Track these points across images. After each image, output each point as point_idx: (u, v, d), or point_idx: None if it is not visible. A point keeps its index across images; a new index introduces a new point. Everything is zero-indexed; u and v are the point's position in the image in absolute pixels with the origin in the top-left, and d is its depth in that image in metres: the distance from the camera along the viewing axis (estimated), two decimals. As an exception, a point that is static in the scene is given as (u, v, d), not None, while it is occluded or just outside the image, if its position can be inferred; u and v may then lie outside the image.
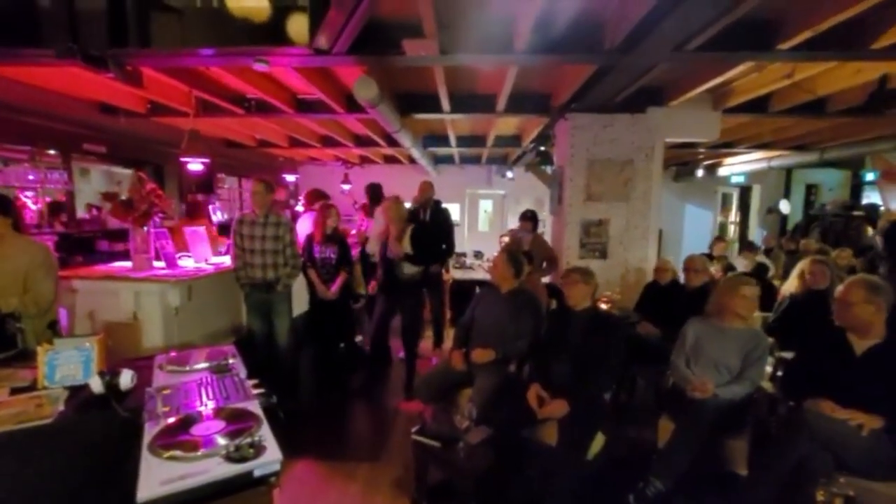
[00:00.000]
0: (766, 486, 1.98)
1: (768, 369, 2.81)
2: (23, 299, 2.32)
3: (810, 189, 9.22)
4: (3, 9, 2.62)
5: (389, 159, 9.26)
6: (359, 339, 4.55)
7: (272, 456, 1.31)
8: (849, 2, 2.22)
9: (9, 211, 2.40)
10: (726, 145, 6.68)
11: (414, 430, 2.30)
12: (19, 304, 2.29)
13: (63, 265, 3.91)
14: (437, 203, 4.67)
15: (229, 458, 1.27)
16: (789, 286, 3.46)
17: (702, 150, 7.14)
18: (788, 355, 2.81)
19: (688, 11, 2.14)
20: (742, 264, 5.17)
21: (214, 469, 1.24)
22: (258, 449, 1.31)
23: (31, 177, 4.78)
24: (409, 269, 3.70)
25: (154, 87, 3.76)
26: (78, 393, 1.76)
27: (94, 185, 7.09)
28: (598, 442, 2.31)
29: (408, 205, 4.92)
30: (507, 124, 6.11)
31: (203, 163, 4.35)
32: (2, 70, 3.33)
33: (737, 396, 2.32)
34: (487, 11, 2.56)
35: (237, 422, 1.46)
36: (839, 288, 2.22)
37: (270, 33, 2.60)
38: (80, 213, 5.82)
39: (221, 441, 1.35)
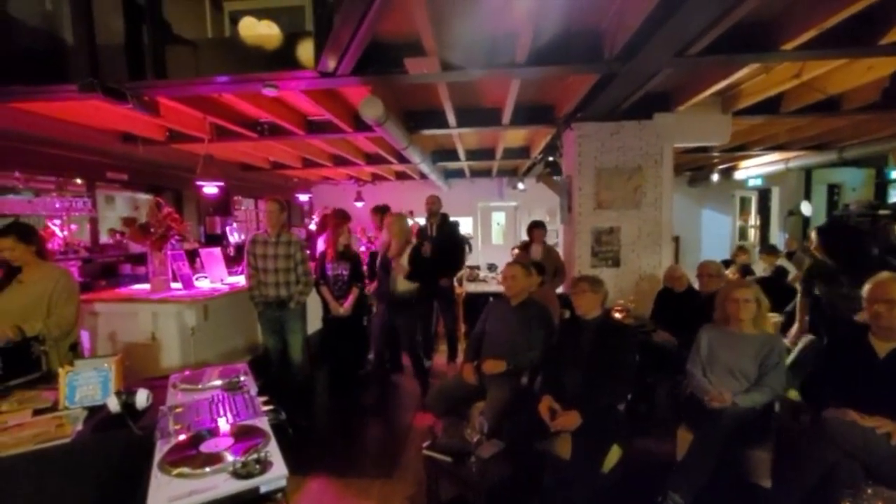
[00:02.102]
0: (791, 498, 1.89)
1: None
2: (46, 323, 2.40)
3: (832, 189, 8.97)
4: (34, 48, 2.81)
5: (401, 175, 9.38)
6: (372, 355, 4.56)
7: (278, 472, 1.32)
8: (851, -1, 2.19)
9: (32, 239, 2.51)
10: (740, 148, 6.57)
11: (425, 444, 2.28)
12: (43, 327, 2.38)
13: (87, 289, 4.06)
14: (445, 217, 4.70)
15: (236, 475, 1.29)
16: None
17: (715, 153, 7.04)
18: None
19: (685, 16, 2.15)
20: (761, 267, 5.04)
21: (221, 485, 1.26)
22: (264, 465, 1.33)
23: (57, 205, 5.00)
24: (402, 286, 3.75)
25: (171, 115, 3.92)
26: (96, 413, 1.81)
27: (118, 211, 7.36)
28: (614, 454, 2.25)
29: (422, 220, 5.00)
30: (514, 136, 6.15)
31: (218, 186, 4.49)
32: (31, 105, 3.52)
33: (757, 404, 2.24)
34: (486, 26, 2.61)
35: (245, 438, 1.48)
36: (868, 286, 2.14)
37: (279, 59, 2.71)
38: (104, 238, 6.03)
39: (229, 457, 1.36)
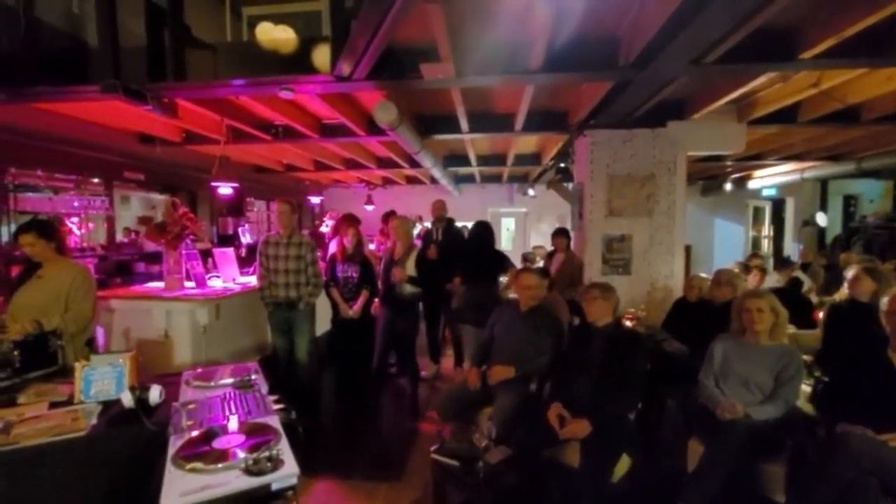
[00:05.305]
0: (807, 514, 1.86)
1: (807, 388, 2.66)
2: (64, 318, 2.45)
3: (849, 200, 8.81)
4: (58, 50, 2.89)
5: (411, 180, 9.42)
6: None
7: (289, 470, 1.33)
8: (872, 7, 2.17)
9: (52, 236, 2.57)
10: (755, 157, 6.50)
11: (433, 448, 2.28)
12: (61, 322, 2.42)
13: (102, 286, 4.12)
14: (450, 221, 4.72)
15: (248, 472, 1.30)
16: (839, 294, 3.30)
17: (729, 162, 6.97)
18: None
19: (703, 24, 2.14)
20: (775, 279, 4.96)
21: (233, 482, 1.27)
22: (276, 463, 1.34)
23: (76, 203, 5.10)
24: (409, 289, 3.77)
25: (188, 116, 3.99)
26: (110, 407, 1.84)
27: (133, 210, 7.49)
28: (624, 464, 2.22)
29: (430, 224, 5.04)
30: (526, 142, 6.15)
31: (233, 187, 4.56)
32: (54, 106, 3.61)
33: (771, 417, 2.20)
34: (501, 33, 2.63)
35: (257, 435, 1.49)
36: (886, 298, 2.09)
37: (296, 63, 2.76)
38: (120, 237, 6.14)
39: (241, 454, 1.38)
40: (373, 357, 4.28)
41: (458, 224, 5.10)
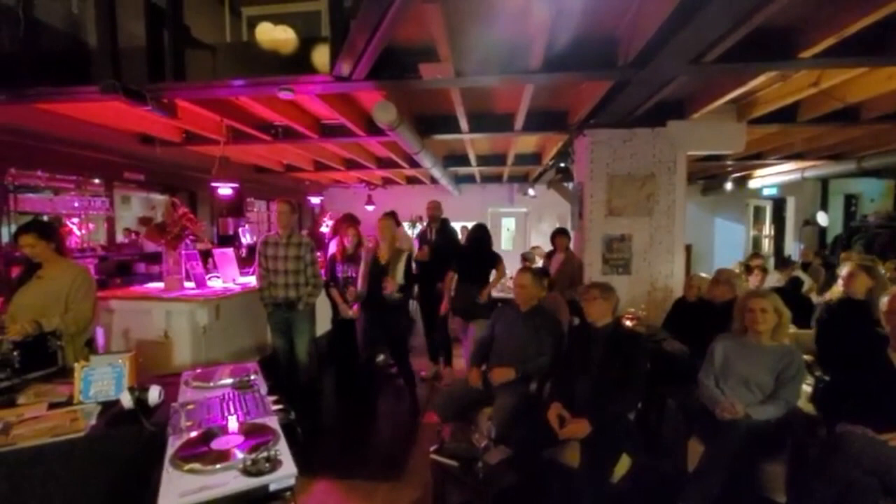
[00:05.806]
0: (807, 514, 1.85)
1: (808, 389, 2.65)
2: (63, 318, 2.45)
3: (850, 200, 8.80)
4: (59, 51, 2.89)
5: (412, 180, 9.41)
6: (380, 357, 4.56)
7: (287, 470, 1.33)
8: (872, 6, 2.16)
9: (52, 236, 2.57)
10: (755, 157, 6.49)
11: (432, 449, 2.28)
12: (60, 322, 2.42)
13: (102, 287, 4.13)
14: (445, 221, 4.71)
15: (246, 472, 1.30)
16: (832, 293, 3.29)
17: (729, 162, 6.96)
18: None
19: (702, 24, 2.13)
20: (775, 278, 4.96)
21: (231, 482, 1.27)
22: (274, 463, 1.34)
23: (76, 204, 5.10)
24: (395, 295, 3.77)
25: (188, 117, 3.99)
26: (110, 408, 1.84)
27: (134, 211, 7.48)
28: (624, 464, 2.22)
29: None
30: (526, 142, 6.15)
31: (233, 188, 4.55)
32: (54, 106, 3.62)
33: (772, 417, 2.20)
34: (501, 33, 2.62)
35: (255, 436, 1.49)
36: (886, 298, 2.09)
37: (295, 63, 2.76)
38: (120, 237, 6.13)
39: (239, 455, 1.38)
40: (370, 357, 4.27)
41: (458, 224, 5.11)
